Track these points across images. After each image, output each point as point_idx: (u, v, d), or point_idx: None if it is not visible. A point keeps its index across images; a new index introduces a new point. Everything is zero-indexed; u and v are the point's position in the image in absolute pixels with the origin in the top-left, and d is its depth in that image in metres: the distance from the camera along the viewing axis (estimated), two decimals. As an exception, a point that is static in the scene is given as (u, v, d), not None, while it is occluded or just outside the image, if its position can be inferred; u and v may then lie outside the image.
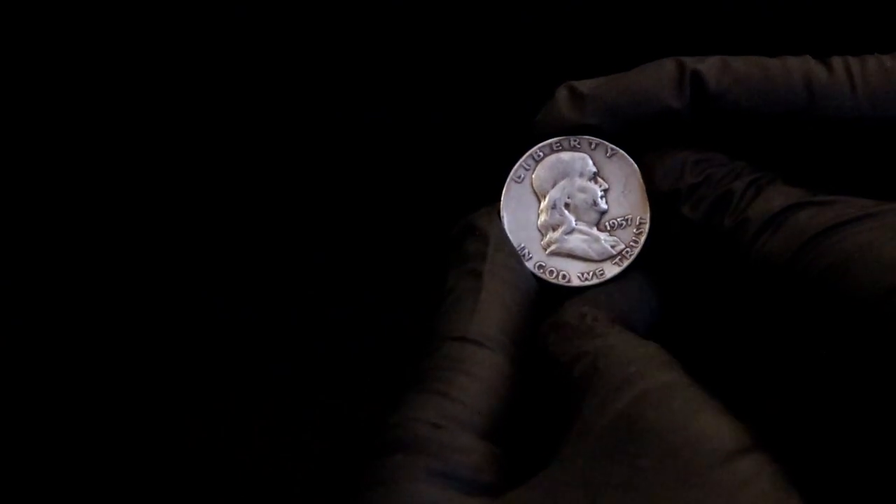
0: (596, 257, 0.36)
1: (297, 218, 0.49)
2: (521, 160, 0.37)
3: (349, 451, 0.46)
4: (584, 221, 0.37)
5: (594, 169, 0.36)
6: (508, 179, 0.37)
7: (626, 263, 0.36)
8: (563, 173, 0.37)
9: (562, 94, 0.36)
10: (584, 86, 0.36)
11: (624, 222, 0.36)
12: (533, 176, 0.37)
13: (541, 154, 0.37)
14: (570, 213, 0.37)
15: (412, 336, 0.39)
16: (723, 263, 0.33)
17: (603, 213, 0.36)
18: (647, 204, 0.36)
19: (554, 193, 0.37)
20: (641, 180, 0.36)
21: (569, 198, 0.37)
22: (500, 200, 0.37)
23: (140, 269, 0.49)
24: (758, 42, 0.46)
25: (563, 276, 0.36)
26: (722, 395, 0.30)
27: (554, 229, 0.37)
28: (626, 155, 0.36)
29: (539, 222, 0.37)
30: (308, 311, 0.49)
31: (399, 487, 0.30)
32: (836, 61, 0.34)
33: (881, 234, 0.30)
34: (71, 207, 0.49)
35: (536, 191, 0.37)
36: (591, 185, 0.37)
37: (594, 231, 0.36)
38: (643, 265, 0.36)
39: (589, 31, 0.47)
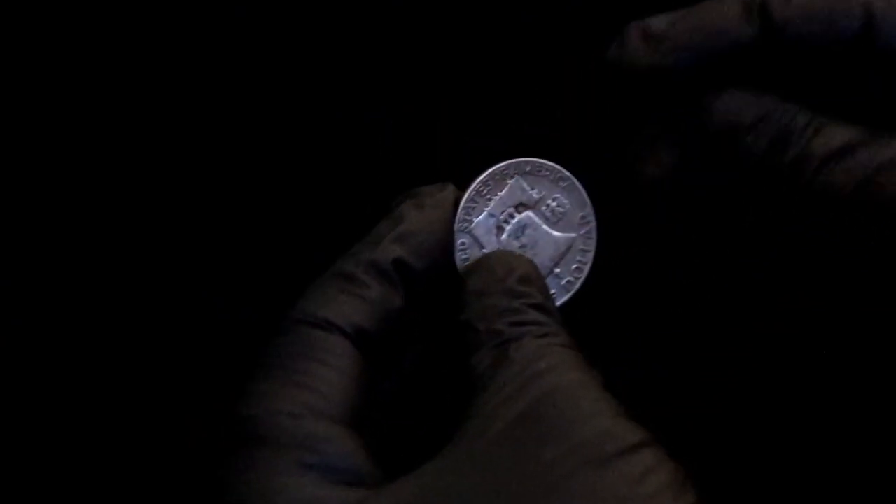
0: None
1: (296, 218, 0.49)
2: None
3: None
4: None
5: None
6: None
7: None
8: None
9: (633, 33, 0.35)
10: (656, 25, 0.35)
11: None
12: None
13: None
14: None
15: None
16: (779, 197, 0.34)
17: None
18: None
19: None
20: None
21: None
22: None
23: (140, 270, 0.48)
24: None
25: None
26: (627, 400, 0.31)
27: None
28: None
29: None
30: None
31: (272, 482, 0.29)
32: None
33: None
34: (71, 207, 0.49)
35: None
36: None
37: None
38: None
39: (589, 31, 0.47)
